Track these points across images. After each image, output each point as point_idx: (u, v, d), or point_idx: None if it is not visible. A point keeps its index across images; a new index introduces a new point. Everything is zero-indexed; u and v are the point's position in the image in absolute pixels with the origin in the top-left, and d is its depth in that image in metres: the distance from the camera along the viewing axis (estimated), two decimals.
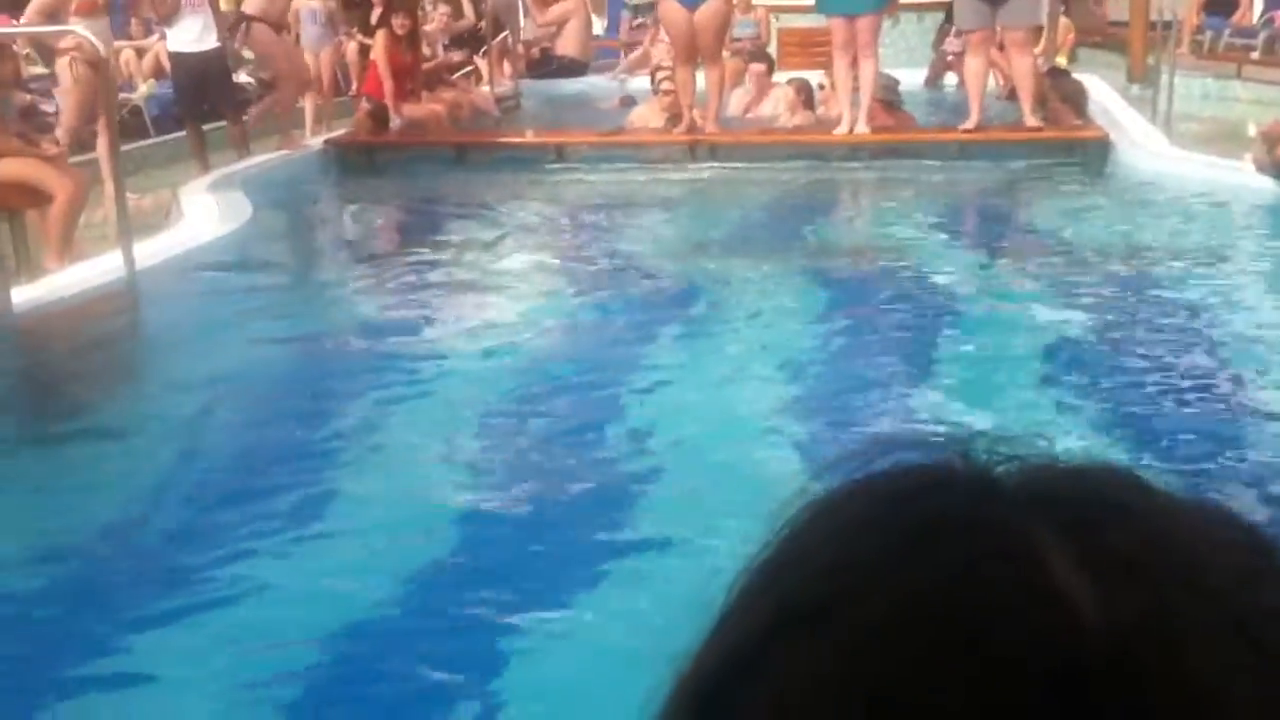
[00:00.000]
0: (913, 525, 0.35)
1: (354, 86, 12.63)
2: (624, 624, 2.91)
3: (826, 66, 10.42)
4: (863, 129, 9.40)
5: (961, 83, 12.27)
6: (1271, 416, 4.23)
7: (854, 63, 9.43)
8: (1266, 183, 7.74)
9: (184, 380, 4.84)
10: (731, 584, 0.37)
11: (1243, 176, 7.99)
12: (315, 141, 10.35)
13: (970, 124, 9.32)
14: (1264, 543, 0.35)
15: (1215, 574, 0.33)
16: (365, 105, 10.53)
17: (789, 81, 11.22)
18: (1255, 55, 14.63)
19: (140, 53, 12.28)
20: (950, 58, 13.31)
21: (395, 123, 10.50)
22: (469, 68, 12.89)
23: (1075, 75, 10.72)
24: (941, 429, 3.88)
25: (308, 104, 12.28)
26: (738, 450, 3.87)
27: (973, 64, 9.52)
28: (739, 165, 9.22)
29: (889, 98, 9.87)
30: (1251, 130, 9.67)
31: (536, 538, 3.41)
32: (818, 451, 3.74)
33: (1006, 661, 0.32)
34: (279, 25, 10.22)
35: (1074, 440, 3.89)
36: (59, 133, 8.38)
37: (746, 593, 0.37)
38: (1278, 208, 7.46)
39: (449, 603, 3.12)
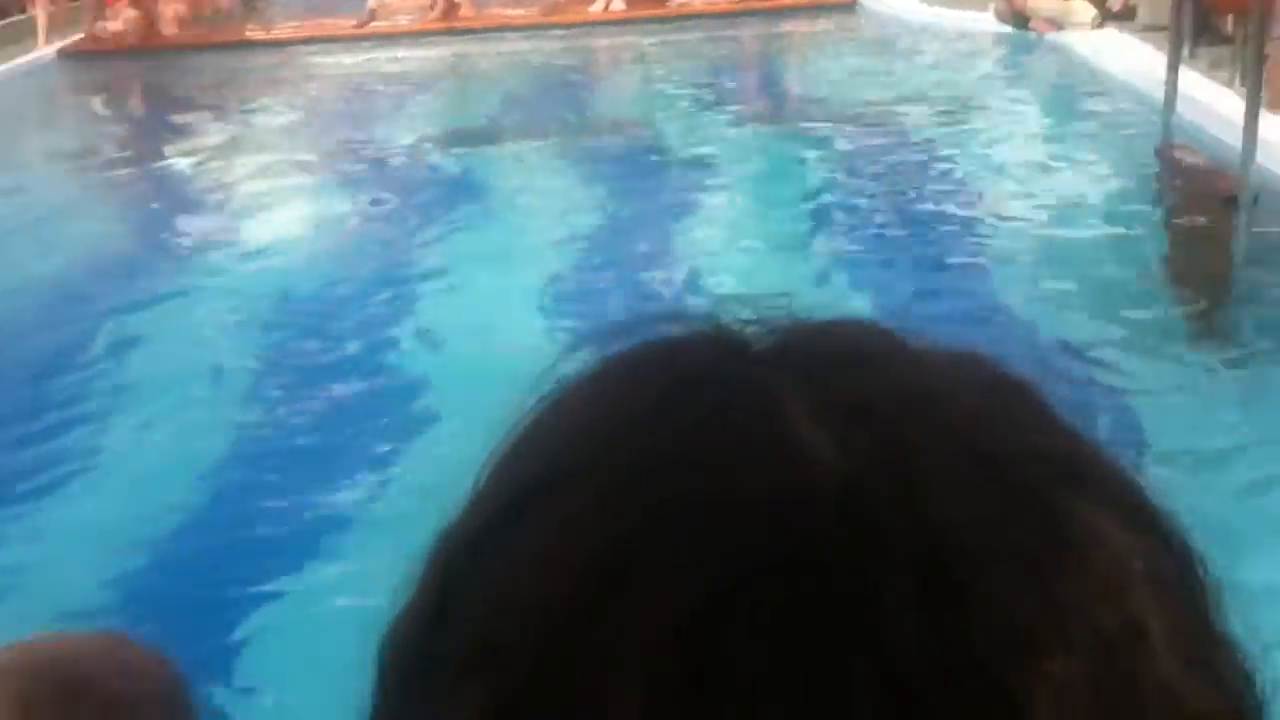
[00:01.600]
0: (657, 387, 0.34)
1: None
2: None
3: None
4: (619, 5, 9.39)
5: None
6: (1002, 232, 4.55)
7: None
8: (1006, 30, 8.09)
9: None
10: (479, 469, 0.35)
11: (983, 26, 8.32)
12: (49, 50, 9.75)
13: None
14: (1019, 386, 0.34)
15: (960, 415, 0.33)
16: (129, 11, 9.93)
17: None
18: None
19: None
20: None
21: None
22: None
23: None
24: (700, 298, 4.00)
25: (39, 12, 11.51)
26: (508, 336, 3.85)
27: None
28: (498, 43, 9.11)
29: None
30: None
31: (307, 440, 3.35)
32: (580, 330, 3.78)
33: (737, 509, 0.30)
34: None
35: (824, 287, 4.05)
36: None
37: (490, 477, 0.35)
38: (1016, 52, 7.81)
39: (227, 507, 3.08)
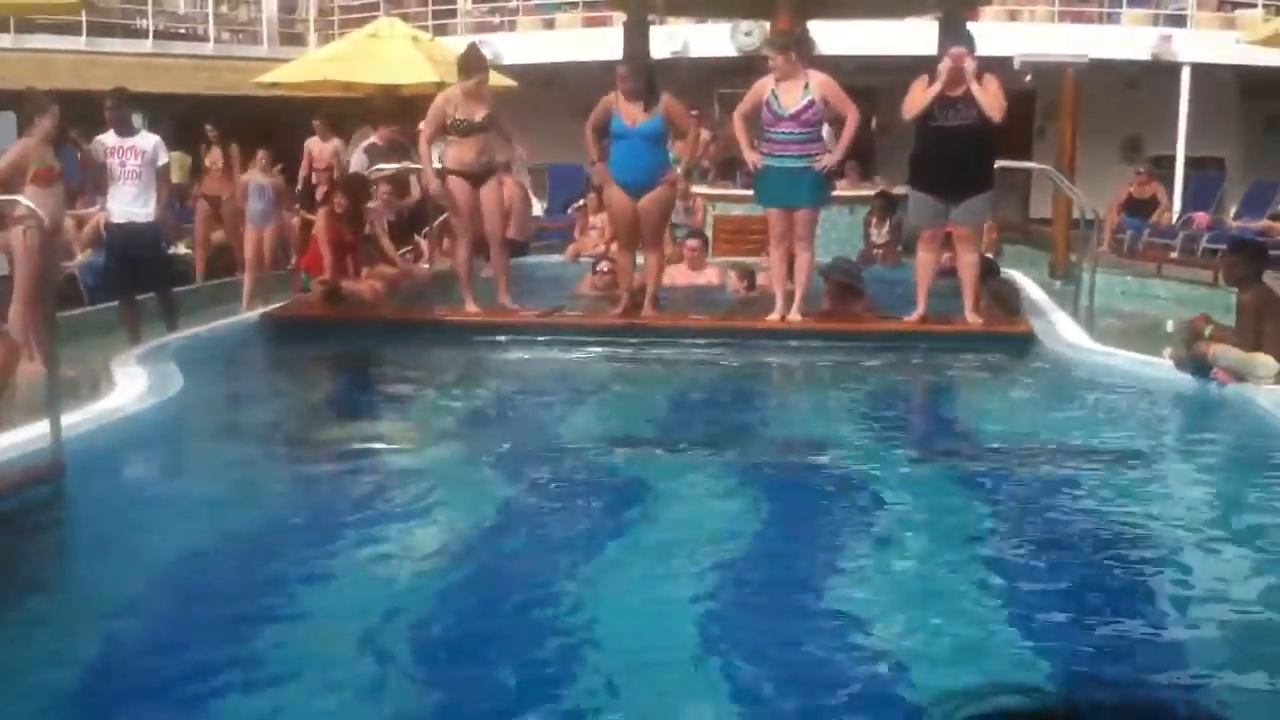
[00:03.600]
0: None
1: (293, 260, 12.75)
2: None
3: (759, 254, 10.64)
4: (795, 317, 9.58)
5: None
6: (1188, 603, 4.35)
7: (789, 252, 9.67)
8: (1184, 378, 7.96)
9: (103, 555, 4.75)
10: None
11: (1161, 371, 8.21)
12: (251, 314, 10.38)
13: (916, 315, 9.54)
14: None
15: None
16: (318, 286, 10.58)
17: (733, 267, 11.53)
18: (1174, 255, 15.23)
19: (81, 222, 12.33)
20: (876, 250, 13.73)
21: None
22: (409, 247, 13.04)
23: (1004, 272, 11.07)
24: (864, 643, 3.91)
25: (246, 278, 12.38)
26: (677, 666, 3.80)
27: (923, 257, 9.73)
28: (676, 346, 9.33)
29: (851, 281, 10.04)
30: (1169, 327, 9.98)
31: None
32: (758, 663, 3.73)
33: None
34: (478, 179, 10.02)
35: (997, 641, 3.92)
36: (13, 306, 8.53)
37: None
38: (1195, 402, 7.66)
39: None
